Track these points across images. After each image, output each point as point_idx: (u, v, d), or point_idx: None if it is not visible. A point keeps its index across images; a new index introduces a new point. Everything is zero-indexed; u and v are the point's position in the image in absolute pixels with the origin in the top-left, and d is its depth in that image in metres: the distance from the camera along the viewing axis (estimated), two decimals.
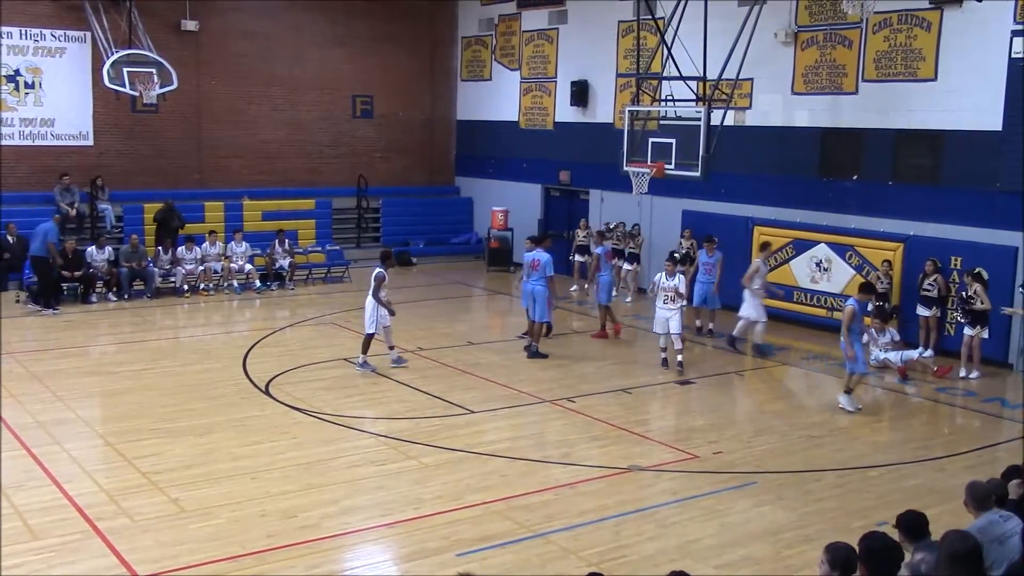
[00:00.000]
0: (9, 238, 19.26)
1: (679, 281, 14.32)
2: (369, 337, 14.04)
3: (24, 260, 18.69)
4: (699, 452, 10.86)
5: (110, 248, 19.59)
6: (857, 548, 5.23)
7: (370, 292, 13.96)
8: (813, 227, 17.51)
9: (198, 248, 20.23)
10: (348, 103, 25.11)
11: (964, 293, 14.46)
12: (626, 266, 20.25)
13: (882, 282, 15.89)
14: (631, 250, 20.20)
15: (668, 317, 14.25)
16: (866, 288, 13.24)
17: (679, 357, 14.28)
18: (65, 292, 18.54)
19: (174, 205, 20.92)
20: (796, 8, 17.96)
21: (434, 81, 26.39)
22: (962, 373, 14.47)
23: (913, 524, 5.80)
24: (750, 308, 15.53)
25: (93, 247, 19.27)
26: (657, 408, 12.83)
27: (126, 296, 19.11)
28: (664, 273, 14.46)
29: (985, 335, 14.37)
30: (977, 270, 14.54)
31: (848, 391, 12.67)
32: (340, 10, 24.49)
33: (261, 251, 21.00)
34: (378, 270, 14.07)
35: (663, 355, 14.53)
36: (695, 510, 9.19)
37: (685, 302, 14.53)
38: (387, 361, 14.15)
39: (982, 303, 14.21)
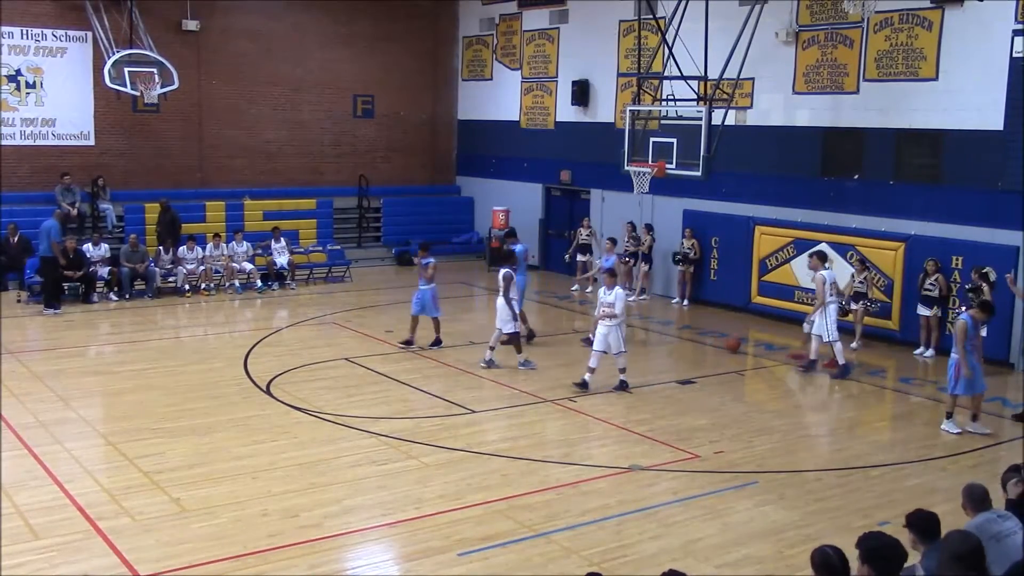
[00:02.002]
0: (12, 239, 19.24)
1: (615, 297, 13.01)
2: (514, 336, 14.17)
3: (25, 260, 18.69)
4: (700, 451, 10.86)
5: (106, 245, 19.61)
6: (857, 550, 5.19)
7: (500, 293, 14.05)
8: (814, 227, 17.50)
9: (199, 248, 20.24)
10: (349, 103, 25.12)
11: (969, 287, 14.41)
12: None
13: (855, 279, 15.94)
14: (643, 251, 20.06)
15: (606, 334, 13.02)
16: (986, 307, 11.97)
17: (621, 376, 13.23)
18: (66, 292, 18.54)
19: (168, 204, 20.91)
20: (797, 8, 17.95)
21: (435, 81, 26.41)
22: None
23: (925, 524, 5.71)
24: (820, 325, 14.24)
25: (89, 243, 19.28)
26: (658, 408, 12.81)
27: (127, 296, 19.12)
28: (604, 287, 13.29)
29: (983, 333, 14.31)
30: (985, 270, 14.45)
31: (974, 416, 11.78)
32: (341, 10, 24.50)
33: (262, 251, 21.00)
34: (504, 270, 14.28)
35: (586, 375, 13.15)
36: (697, 509, 9.19)
37: (622, 318, 13.19)
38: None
39: None
